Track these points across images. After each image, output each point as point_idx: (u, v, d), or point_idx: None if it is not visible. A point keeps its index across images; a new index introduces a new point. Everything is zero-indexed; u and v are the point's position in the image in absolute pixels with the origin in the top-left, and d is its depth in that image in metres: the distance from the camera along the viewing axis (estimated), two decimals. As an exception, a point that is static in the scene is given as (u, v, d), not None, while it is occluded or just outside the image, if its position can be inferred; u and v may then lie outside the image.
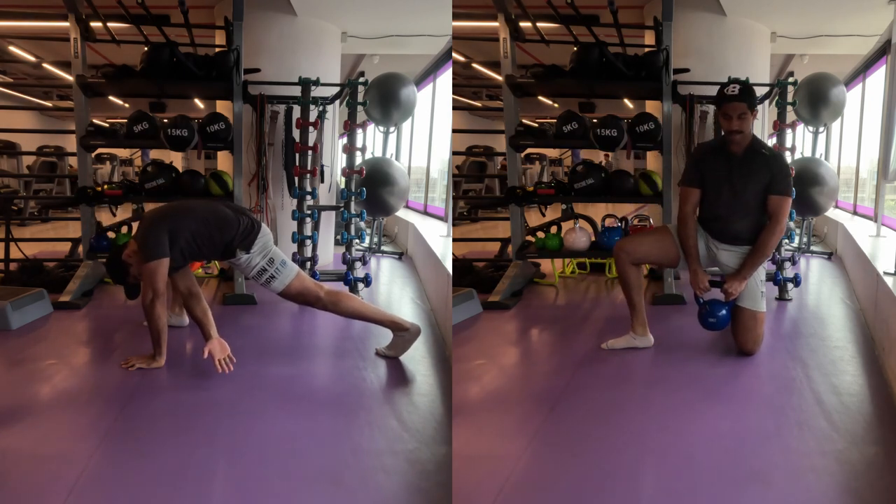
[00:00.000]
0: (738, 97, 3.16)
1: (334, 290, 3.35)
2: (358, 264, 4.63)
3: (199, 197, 4.56)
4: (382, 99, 4.95)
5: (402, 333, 3.32)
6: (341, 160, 5.22)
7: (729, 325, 3.34)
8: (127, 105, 9.73)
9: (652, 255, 3.46)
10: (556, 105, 9.47)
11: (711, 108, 4.82)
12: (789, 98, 4.73)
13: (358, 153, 4.77)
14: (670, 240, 3.41)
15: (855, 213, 7.97)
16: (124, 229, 4.79)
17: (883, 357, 3.25)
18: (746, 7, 5.33)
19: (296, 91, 4.72)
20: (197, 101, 7.59)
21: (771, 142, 4.88)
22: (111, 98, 8.43)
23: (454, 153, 8.25)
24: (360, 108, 4.82)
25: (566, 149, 11.09)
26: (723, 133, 3.30)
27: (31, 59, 7.92)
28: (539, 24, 4.82)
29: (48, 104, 11.30)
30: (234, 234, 3.22)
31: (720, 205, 3.30)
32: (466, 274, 4.80)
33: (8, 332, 3.66)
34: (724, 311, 3.31)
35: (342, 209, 4.73)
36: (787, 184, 3.25)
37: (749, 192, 3.24)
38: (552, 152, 12.27)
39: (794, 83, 4.75)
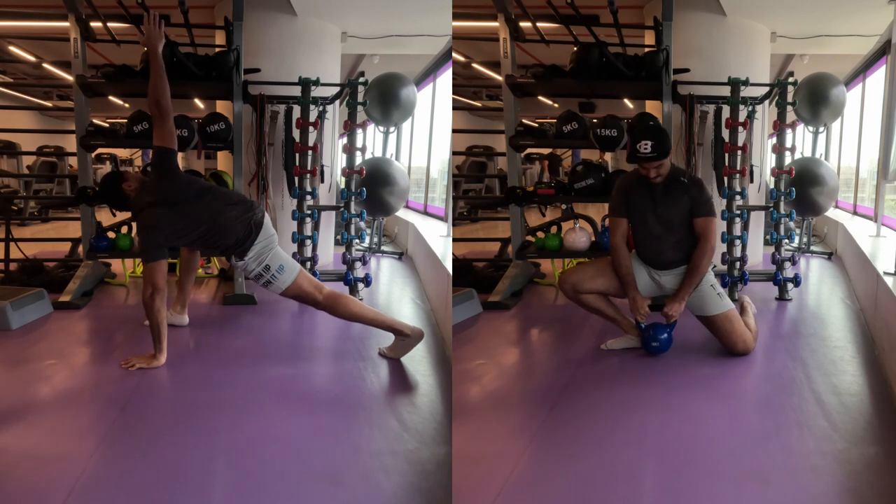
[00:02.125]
0: (652, 155, 3.20)
1: (334, 293, 3.34)
2: (358, 264, 4.63)
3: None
4: (382, 99, 4.95)
5: (404, 338, 3.32)
6: (341, 160, 5.21)
7: (671, 345, 3.36)
8: (127, 105, 9.74)
9: (598, 286, 3.45)
10: (556, 105, 9.47)
11: (711, 108, 4.82)
12: (789, 98, 4.73)
13: (358, 153, 4.77)
14: (611, 269, 3.43)
15: (855, 213, 7.97)
16: (124, 229, 4.78)
17: (883, 357, 3.26)
18: (746, 7, 5.33)
19: (296, 91, 4.72)
20: (197, 101, 7.59)
21: (771, 142, 4.88)
22: (111, 98, 8.44)
23: (454, 153, 8.26)
24: (360, 108, 4.82)
25: (566, 149, 11.08)
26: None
27: (31, 59, 7.92)
28: (539, 24, 4.82)
29: (48, 104, 11.31)
30: (230, 242, 3.27)
31: (648, 234, 3.37)
32: (466, 274, 4.80)
33: (8, 332, 3.67)
34: (665, 335, 3.34)
35: (342, 209, 4.73)
36: (708, 206, 3.31)
37: (674, 219, 3.31)
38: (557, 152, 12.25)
39: (794, 83, 4.75)
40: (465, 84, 8.56)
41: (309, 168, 4.66)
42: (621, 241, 3.40)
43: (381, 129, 5.23)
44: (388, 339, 3.37)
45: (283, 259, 3.32)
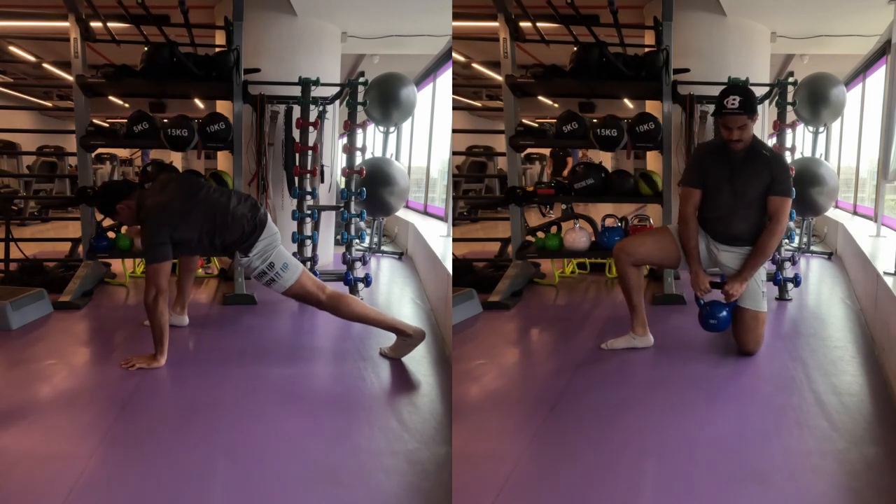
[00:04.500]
0: (739, 110, 3.14)
1: (337, 293, 3.34)
2: (358, 264, 4.63)
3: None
4: (382, 99, 4.95)
5: (405, 338, 3.32)
6: (341, 160, 5.21)
7: (730, 325, 3.34)
8: (127, 105, 9.73)
9: (652, 256, 3.45)
10: (556, 105, 9.47)
11: (712, 109, 4.80)
12: (789, 98, 4.73)
13: (358, 153, 4.77)
14: (671, 240, 3.40)
15: (855, 213, 7.97)
16: (124, 229, 4.78)
17: (883, 357, 3.26)
18: (746, 7, 5.33)
19: (296, 91, 4.72)
20: (197, 101, 7.58)
21: (771, 142, 4.88)
22: (111, 98, 8.43)
23: (454, 153, 8.26)
24: (360, 108, 4.82)
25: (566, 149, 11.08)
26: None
27: (31, 59, 7.92)
28: (539, 24, 4.82)
29: (48, 104, 11.29)
30: (235, 238, 3.27)
31: (720, 205, 3.29)
32: (466, 274, 4.80)
33: (8, 332, 3.66)
34: (724, 313, 3.30)
35: (342, 209, 4.73)
36: (787, 185, 3.24)
37: (750, 193, 3.23)
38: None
39: (794, 83, 4.75)
40: (465, 84, 8.56)
41: (309, 168, 4.66)
42: (693, 214, 3.32)
43: (381, 129, 5.23)
44: (389, 338, 3.37)
45: (287, 257, 3.32)
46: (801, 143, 5.91)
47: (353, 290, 4.56)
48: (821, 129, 5.35)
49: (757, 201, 3.24)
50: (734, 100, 3.13)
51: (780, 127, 4.71)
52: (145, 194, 3.31)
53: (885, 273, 3.75)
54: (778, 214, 3.21)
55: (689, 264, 3.34)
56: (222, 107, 5.32)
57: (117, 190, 3.41)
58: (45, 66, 7.90)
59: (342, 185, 4.87)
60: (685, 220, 3.33)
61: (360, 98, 4.81)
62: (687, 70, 4.75)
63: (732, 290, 3.24)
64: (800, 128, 5.93)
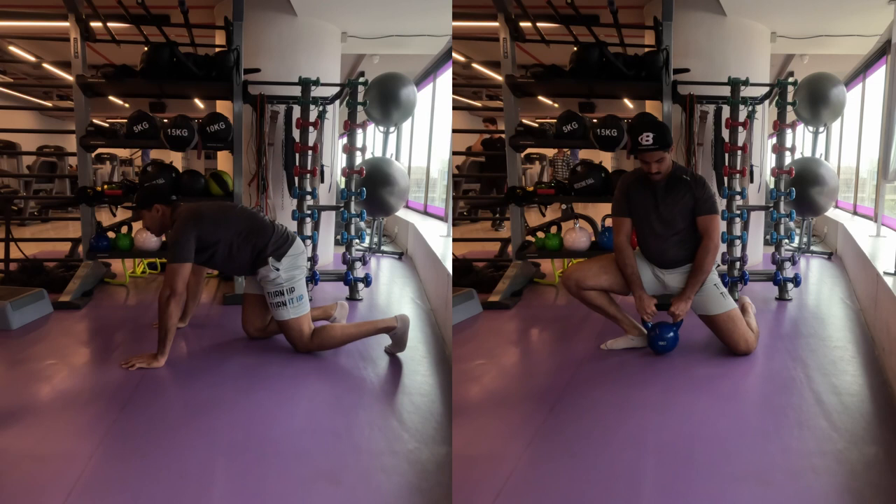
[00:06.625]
0: (654, 146, 3.23)
1: (315, 330, 3.39)
2: (358, 264, 4.63)
3: (200, 197, 4.57)
4: (382, 99, 4.95)
5: (394, 332, 3.34)
6: (341, 160, 5.21)
7: (678, 344, 3.37)
8: (127, 105, 9.74)
9: (601, 283, 3.46)
10: (556, 105, 9.47)
11: (711, 108, 4.82)
12: (789, 98, 4.73)
13: (358, 153, 4.77)
14: (614, 267, 3.44)
15: (855, 213, 7.97)
16: (124, 229, 4.79)
17: (883, 357, 3.26)
18: (746, 7, 5.33)
19: (296, 91, 4.72)
20: (197, 101, 7.59)
21: (771, 142, 4.89)
22: (111, 98, 8.44)
23: (454, 153, 8.26)
24: (360, 108, 4.82)
25: (566, 149, 11.10)
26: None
27: (31, 59, 7.92)
28: (539, 24, 4.82)
29: (48, 104, 11.30)
30: (268, 240, 3.34)
31: (651, 233, 3.38)
32: (466, 274, 4.80)
33: (8, 332, 3.67)
34: (672, 333, 3.35)
35: (342, 209, 4.73)
36: (711, 203, 3.33)
37: (677, 218, 3.32)
38: (552, 152, 12.27)
39: (794, 83, 4.75)
40: (465, 84, 8.56)
41: (309, 168, 4.66)
42: (625, 242, 3.40)
43: (381, 129, 5.23)
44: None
45: (305, 292, 3.40)
46: (801, 143, 5.92)
47: (353, 290, 4.56)
48: (821, 129, 5.35)
49: (685, 224, 3.33)
50: (648, 136, 3.23)
51: (780, 127, 4.72)
52: (183, 206, 3.41)
53: (885, 273, 3.76)
54: (708, 232, 3.30)
55: (632, 290, 3.40)
56: (222, 107, 5.32)
57: (163, 192, 3.49)
58: (45, 66, 7.90)
59: (342, 185, 4.87)
60: (619, 248, 3.41)
61: (360, 98, 4.82)
62: (687, 70, 4.75)
63: (678, 311, 3.29)
64: (800, 128, 5.93)
